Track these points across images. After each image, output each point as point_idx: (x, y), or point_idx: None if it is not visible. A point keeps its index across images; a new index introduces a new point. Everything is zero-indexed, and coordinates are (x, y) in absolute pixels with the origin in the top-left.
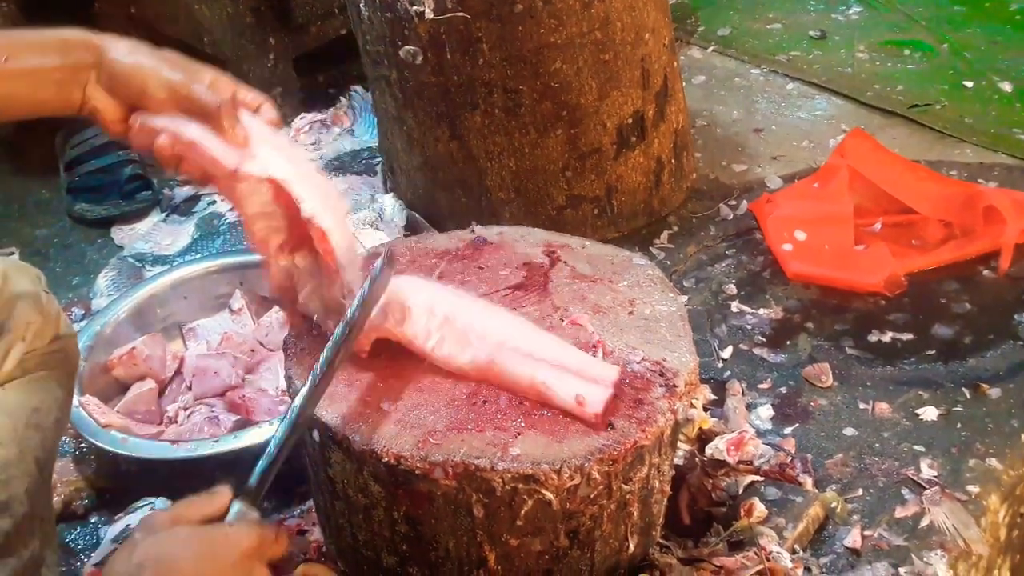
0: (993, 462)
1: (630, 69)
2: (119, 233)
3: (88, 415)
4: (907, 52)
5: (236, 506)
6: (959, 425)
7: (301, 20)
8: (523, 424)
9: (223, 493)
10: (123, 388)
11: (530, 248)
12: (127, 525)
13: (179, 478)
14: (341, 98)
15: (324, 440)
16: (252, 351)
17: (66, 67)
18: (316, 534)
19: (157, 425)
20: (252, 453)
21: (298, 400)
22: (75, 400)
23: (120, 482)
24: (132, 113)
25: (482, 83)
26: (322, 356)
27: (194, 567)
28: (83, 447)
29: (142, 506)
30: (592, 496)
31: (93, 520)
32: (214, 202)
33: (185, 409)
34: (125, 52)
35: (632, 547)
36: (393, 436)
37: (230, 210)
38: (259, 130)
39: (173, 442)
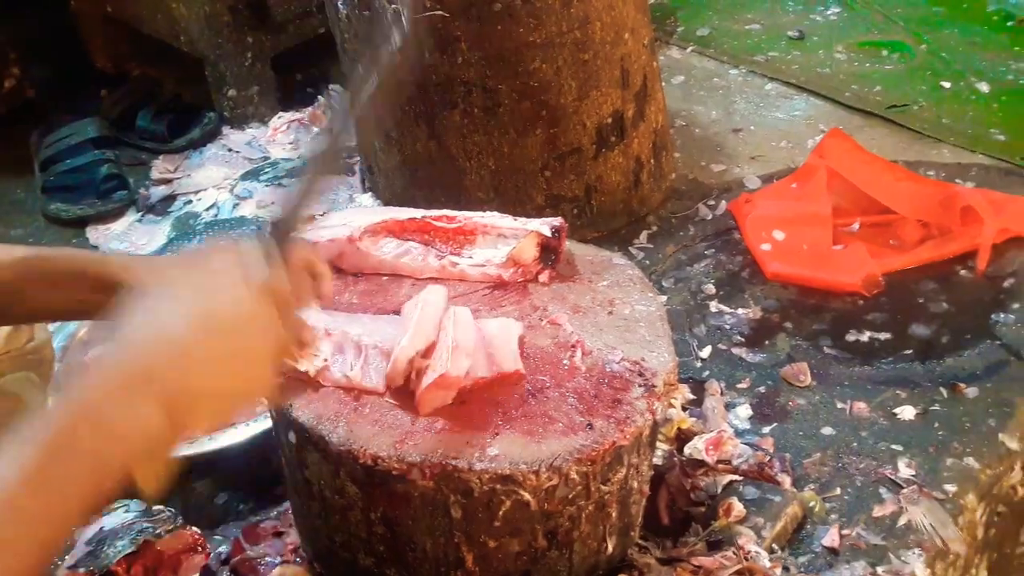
0: (970, 461)
1: (609, 69)
2: (94, 233)
3: None
4: (885, 53)
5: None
6: (936, 424)
7: (279, 19)
8: (501, 424)
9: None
10: None
11: None
12: (101, 527)
13: None
14: (319, 97)
15: (300, 441)
16: None
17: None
18: (292, 536)
19: None
20: (229, 454)
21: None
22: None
23: None
24: None
25: (461, 82)
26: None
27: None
28: None
29: (117, 508)
30: (570, 497)
31: None
32: (190, 202)
33: None
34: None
35: (611, 548)
36: (370, 437)
37: (207, 209)
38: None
39: None
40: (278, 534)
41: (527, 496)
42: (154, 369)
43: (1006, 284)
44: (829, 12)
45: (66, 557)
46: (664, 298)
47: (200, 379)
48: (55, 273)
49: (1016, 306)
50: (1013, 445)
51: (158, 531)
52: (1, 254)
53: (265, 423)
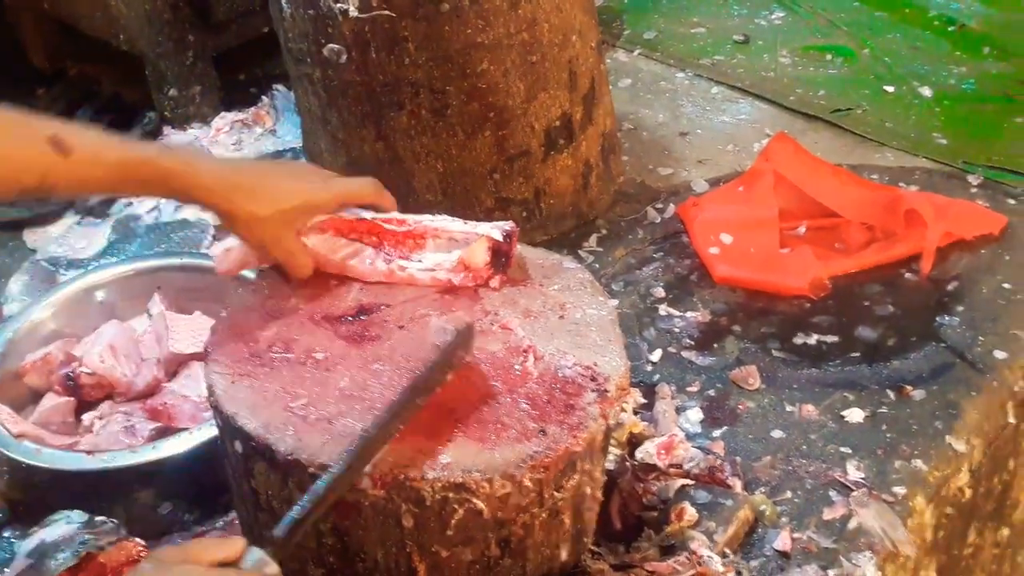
0: (919, 463)
1: (557, 71)
2: (31, 236)
3: (0, 425)
4: (829, 57)
5: (254, 553)
6: (884, 427)
7: (221, 17)
8: (453, 431)
9: (238, 540)
10: (36, 396)
11: None
12: (42, 540)
13: (96, 490)
14: (263, 97)
15: (247, 450)
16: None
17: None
18: None
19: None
20: (172, 463)
21: (344, 457)
22: None
23: (35, 495)
24: None
25: (408, 83)
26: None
27: None
28: None
29: (57, 519)
30: (524, 504)
31: (6, 534)
32: (130, 204)
33: (101, 418)
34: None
35: (564, 555)
36: (319, 445)
37: (148, 212)
38: None
39: (89, 452)
40: None
41: (480, 504)
42: None
43: (950, 287)
44: (773, 16)
45: (6, 570)
46: (615, 302)
47: None
48: (146, 183)
49: (960, 309)
50: (960, 447)
51: (100, 543)
52: (102, 151)
53: (209, 431)
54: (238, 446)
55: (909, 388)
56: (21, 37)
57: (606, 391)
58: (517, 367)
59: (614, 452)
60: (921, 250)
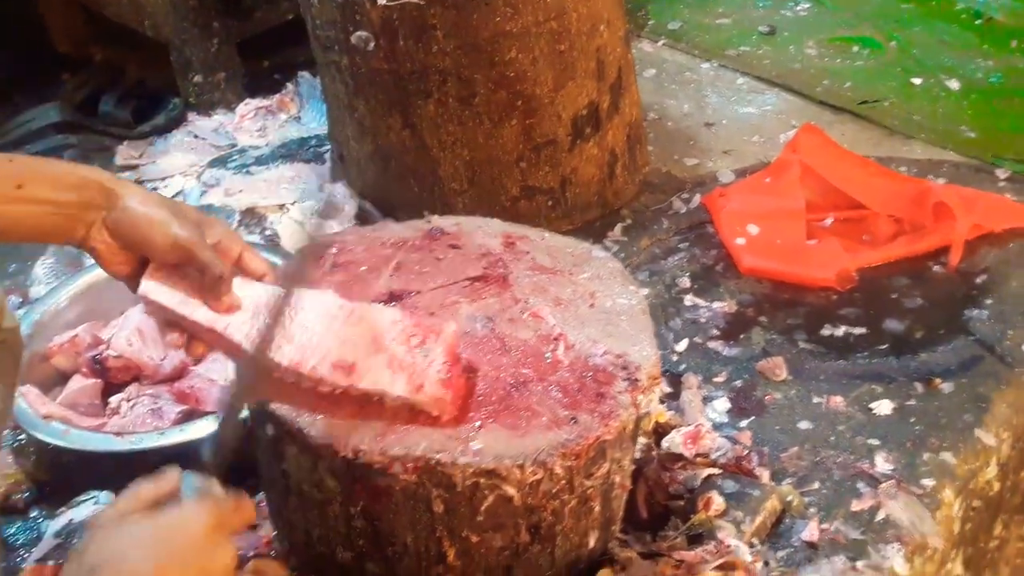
0: (947, 456)
1: (585, 60)
2: None
3: (28, 406)
4: (855, 49)
5: (189, 480)
6: (912, 419)
7: (247, 3)
8: (484, 417)
9: (170, 474)
10: (63, 378)
11: (488, 239)
12: (70, 520)
13: (123, 471)
14: (288, 84)
15: (278, 433)
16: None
17: (77, 203)
18: (266, 529)
19: (100, 418)
20: (199, 445)
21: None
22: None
23: (62, 475)
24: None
25: (436, 71)
26: None
27: (149, 561)
28: (22, 439)
29: (85, 500)
30: (554, 491)
31: (34, 514)
32: (155, 189)
33: (128, 400)
34: (138, 201)
35: (592, 542)
36: (350, 429)
37: (173, 197)
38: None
39: (117, 434)
40: (252, 527)
41: (511, 490)
42: None
43: (978, 280)
44: (799, 7)
45: (33, 550)
46: (645, 291)
47: None
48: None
49: (989, 302)
50: (989, 440)
51: None
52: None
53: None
54: (269, 429)
55: (938, 381)
56: (47, 23)
57: (637, 380)
58: (548, 355)
59: (641, 441)
60: (949, 243)
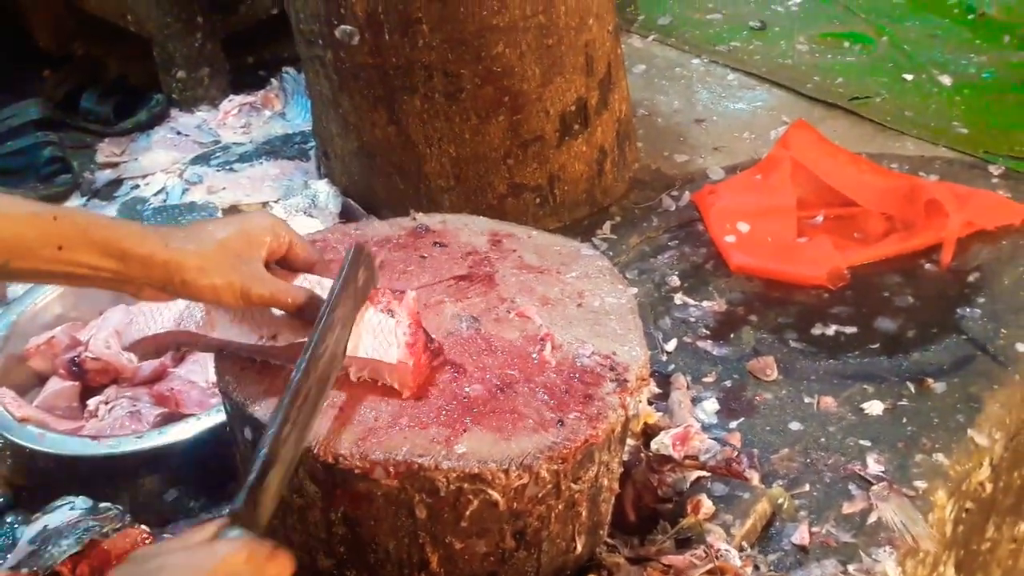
0: (939, 457)
1: (574, 55)
2: None
3: (4, 409)
4: (847, 44)
5: (231, 531)
6: (904, 420)
7: None
8: (469, 420)
9: (214, 522)
10: (41, 380)
11: (474, 237)
12: (44, 525)
13: (101, 476)
14: (272, 80)
15: (256, 438)
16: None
17: (115, 273)
18: None
19: (78, 421)
20: (178, 449)
21: (281, 407)
22: None
23: (38, 480)
24: None
25: (421, 66)
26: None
27: None
28: None
29: (61, 505)
30: (540, 496)
31: (9, 520)
32: (137, 186)
33: (106, 402)
34: (196, 271)
35: (579, 547)
36: (331, 433)
37: (155, 195)
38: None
39: (94, 438)
40: None
41: (496, 495)
42: None
43: (971, 278)
44: (790, 3)
45: (8, 557)
46: (633, 290)
47: None
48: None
49: (981, 300)
50: (982, 441)
51: (105, 530)
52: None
53: (216, 417)
54: (248, 433)
55: (930, 381)
56: (28, 18)
57: (626, 381)
58: (534, 355)
59: (629, 443)
60: (941, 240)
